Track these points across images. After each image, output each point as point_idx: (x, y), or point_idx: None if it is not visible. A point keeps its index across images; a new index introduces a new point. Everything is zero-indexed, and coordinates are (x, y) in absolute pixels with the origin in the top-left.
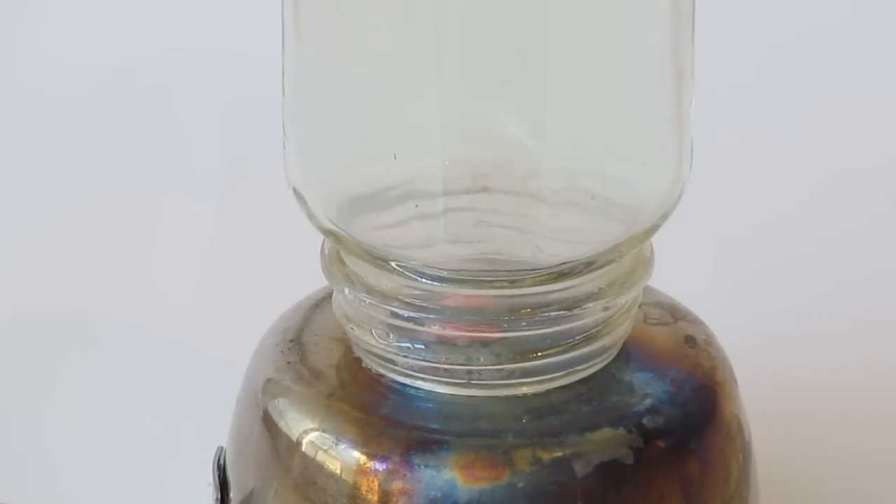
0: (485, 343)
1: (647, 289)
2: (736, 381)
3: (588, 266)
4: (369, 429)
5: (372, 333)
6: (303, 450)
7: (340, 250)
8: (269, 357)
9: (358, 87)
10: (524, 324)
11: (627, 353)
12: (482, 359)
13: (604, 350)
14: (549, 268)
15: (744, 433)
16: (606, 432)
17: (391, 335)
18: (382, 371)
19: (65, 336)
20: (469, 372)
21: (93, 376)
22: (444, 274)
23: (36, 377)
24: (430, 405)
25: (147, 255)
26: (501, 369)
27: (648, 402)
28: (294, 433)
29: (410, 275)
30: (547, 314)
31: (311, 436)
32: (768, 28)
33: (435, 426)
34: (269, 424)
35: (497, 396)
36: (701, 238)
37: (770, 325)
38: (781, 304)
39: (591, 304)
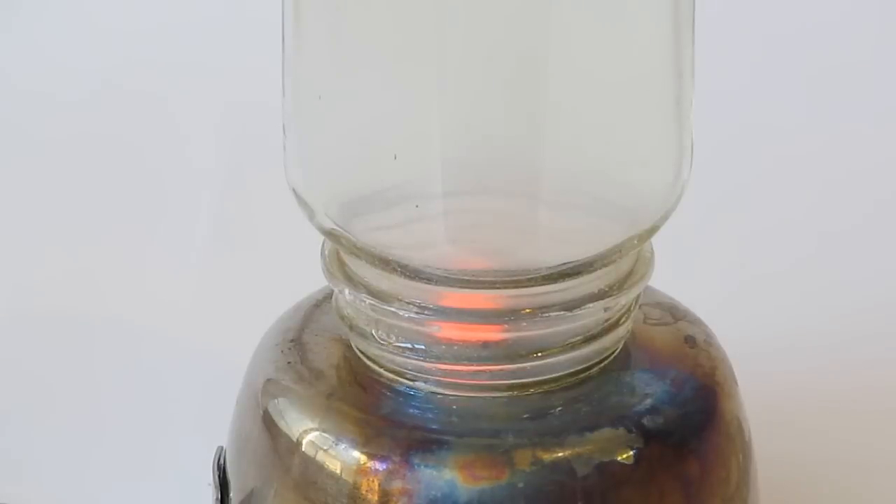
0: (485, 343)
1: (647, 289)
2: (736, 382)
3: (588, 267)
4: (369, 429)
5: (372, 334)
6: (303, 450)
7: (340, 251)
8: (269, 357)
9: (358, 88)
10: (524, 324)
11: (628, 354)
12: (482, 359)
13: (604, 350)
14: (549, 268)
15: (744, 433)
16: (606, 432)
17: (391, 336)
18: (383, 371)
19: (65, 336)
20: (469, 372)
21: (93, 376)
22: (445, 274)
23: (36, 377)
24: (430, 405)
25: (147, 254)
26: (501, 369)
27: (648, 402)
28: (294, 433)
29: (410, 275)
30: (547, 315)
31: (311, 436)
32: (769, 28)
33: (435, 426)
34: (269, 424)
35: (497, 396)
36: (701, 238)
37: (770, 325)
38: (781, 305)
39: (591, 305)
